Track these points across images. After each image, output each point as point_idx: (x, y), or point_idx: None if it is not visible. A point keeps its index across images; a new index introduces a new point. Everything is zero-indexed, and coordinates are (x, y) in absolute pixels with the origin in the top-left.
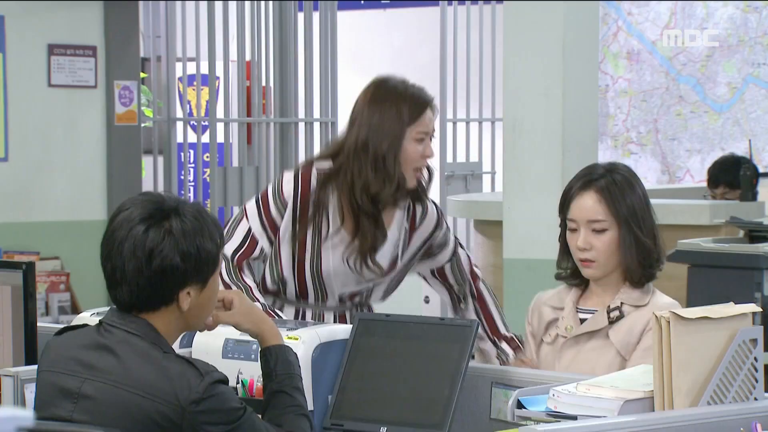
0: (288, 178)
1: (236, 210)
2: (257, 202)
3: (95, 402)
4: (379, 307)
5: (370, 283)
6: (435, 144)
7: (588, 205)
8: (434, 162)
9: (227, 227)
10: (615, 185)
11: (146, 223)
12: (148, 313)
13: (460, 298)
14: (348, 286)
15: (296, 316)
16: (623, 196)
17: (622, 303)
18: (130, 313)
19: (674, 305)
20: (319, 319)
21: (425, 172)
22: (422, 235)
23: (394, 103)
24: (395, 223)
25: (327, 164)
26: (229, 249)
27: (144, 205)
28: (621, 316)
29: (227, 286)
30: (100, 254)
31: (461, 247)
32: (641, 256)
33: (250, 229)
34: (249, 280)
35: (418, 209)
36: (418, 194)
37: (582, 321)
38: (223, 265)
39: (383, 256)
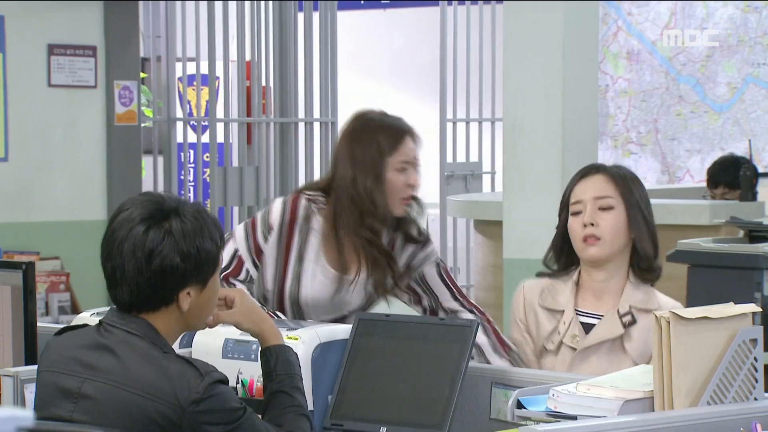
0: (277, 204)
1: (236, 210)
2: (246, 226)
3: (95, 402)
4: (381, 307)
5: (346, 312)
6: (435, 144)
7: (596, 183)
8: (434, 162)
9: None
10: (625, 175)
11: (146, 223)
12: (148, 314)
13: (434, 308)
14: (325, 315)
15: None
16: (632, 185)
17: (630, 306)
18: (130, 313)
19: (678, 306)
20: None
21: (414, 205)
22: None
23: (371, 135)
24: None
25: (318, 193)
26: None
27: (144, 205)
28: (634, 321)
29: None
30: (101, 254)
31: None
32: (639, 249)
33: (236, 251)
34: (239, 285)
35: (410, 245)
36: (405, 224)
37: (584, 325)
38: None
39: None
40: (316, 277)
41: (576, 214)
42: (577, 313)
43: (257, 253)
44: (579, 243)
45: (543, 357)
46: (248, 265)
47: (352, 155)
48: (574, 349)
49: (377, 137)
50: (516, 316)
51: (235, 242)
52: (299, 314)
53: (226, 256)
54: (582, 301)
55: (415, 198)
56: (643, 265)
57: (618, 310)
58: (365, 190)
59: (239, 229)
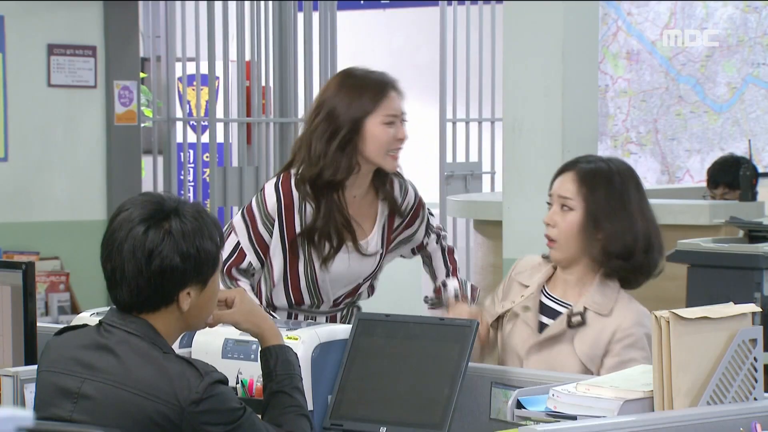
0: (269, 191)
1: (236, 210)
2: (243, 217)
3: (95, 402)
4: (380, 307)
5: (362, 281)
6: (435, 144)
7: (563, 182)
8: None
9: None
10: (596, 172)
11: (146, 223)
12: (148, 314)
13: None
14: (343, 288)
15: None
16: (598, 183)
17: (585, 308)
18: (130, 314)
19: (640, 316)
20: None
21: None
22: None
23: (357, 91)
24: (379, 211)
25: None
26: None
27: (144, 205)
28: (583, 323)
29: None
30: (100, 255)
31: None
32: (607, 249)
33: (238, 243)
34: (243, 284)
35: (396, 187)
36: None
37: (542, 306)
38: None
39: (373, 242)
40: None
41: (549, 207)
42: (543, 293)
43: (261, 246)
44: (544, 235)
45: (501, 321)
46: (250, 256)
47: (335, 106)
48: (529, 327)
49: (362, 92)
50: (511, 272)
51: (236, 235)
52: (316, 295)
53: (227, 248)
54: (553, 287)
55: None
56: (612, 266)
57: (571, 310)
58: (341, 141)
59: (238, 222)
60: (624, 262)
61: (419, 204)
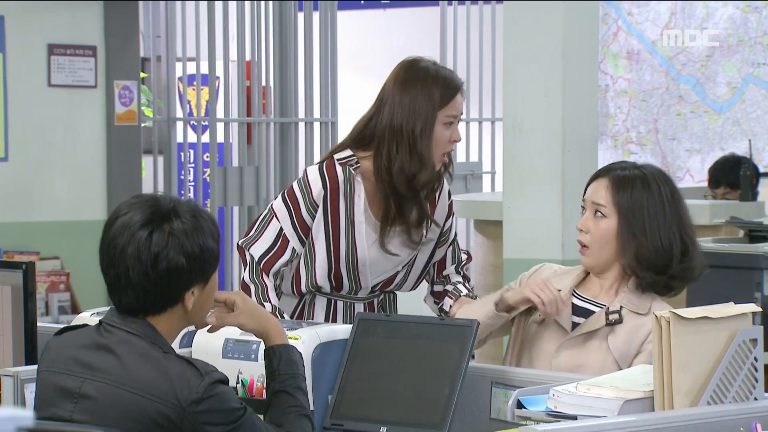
0: (314, 176)
1: (236, 210)
2: (285, 202)
3: (95, 402)
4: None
5: (401, 267)
6: None
7: (597, 188)
8: None
9: (256, 225)
10: (631, 179)
11: (148, 227)
12: (153, 316)
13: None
14: (382, 274)
15: (327, 307)
16: (633, 190)
17: (622, 307)
18: (134, 316)
19: None
20: (349, 309)
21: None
22: (440, 217)
23: (426, 86)
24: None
25: (347, 153)
26: (257, 250)
27: (141, 208)
28: (620, 321)
29: (246, 286)
30: (101, 262)
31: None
32: (641, 257)
33: (281, 230)
34: (267, 281)
35: (437, 187)
36: (441, 173)
37: (574, 307)
38: (247, 263)
39: (416, 233)
40: (369, 236)
41: (582, 211)
42: (574, 295)
43: (304, 230)
44: (577, 241)
45: (528, 323)
46: (294, 242)
47: (402, 103)
48: (561, 328)
49: (431, 88)
50: (523, 277)
51: (279, 221)
52: (356, 280)
53: (270, 235)
54: (585, 290)
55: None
56: (630, 274)
57: (608, 308)
58: (410, 138)
59: (279, 207)
60: (656, 275)
61: (451, 201)
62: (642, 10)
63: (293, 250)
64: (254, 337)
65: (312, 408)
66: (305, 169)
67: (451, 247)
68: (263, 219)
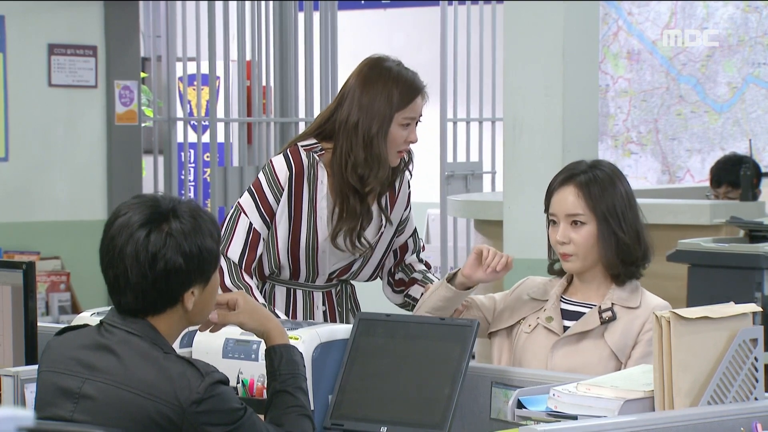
0: (279, 164)
1: None
2: (251, 194)
3: (96, 402)
4: (381, 307)
5: (359, 257)
6: (435, 144)
7: (567, 199)
8: (435, 162)
9: (224, 227)
10: (595, 181)
11: (147, 227)
12: (153, 316)
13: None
14: (339, 262)
15: (287, 297)
16: (603, 192)
17: (613, 304)
18: (134, 316)
19: (665, 306)
20: (309, 298)
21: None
22: (400, 208)
23: (386, 86)
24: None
25: (312, 141)
26: (234, 253)
27: (141, 208)
28: (614, 318)
29: (227, 291)
30: (101, 262)
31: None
32: (621, 252)
33: (251, 225)
34: (250, 281)
35: (396, 182)
36: (398, 169)
37: (564, 312)
38: (225, 269)
39: (369, 231)
40: (330, 224)
41: (553, 223)
42: (563, 301)
43: (270, 215)
44: (558, 253)
45: (517, 334)
46: (264, 233)
47: (360, 101)
48: (553, 333)
49: (391, 89)
50: (502, 292)
51: (247, 215)
52: (314, 265)
53: (241, 233)
54: (571, 294)
55: (408, 150)
56: (614, 273)
57: (600, 306)
58: (366, 137)
59: (246, 200)
60: (634, 266)
61: (410, 191)
62: (642, 10)
63: (264, 241)
64: (255, 336)
65: (312, 408)
66: (270, 159)
67: (411, 237)
68: (231, 218)
